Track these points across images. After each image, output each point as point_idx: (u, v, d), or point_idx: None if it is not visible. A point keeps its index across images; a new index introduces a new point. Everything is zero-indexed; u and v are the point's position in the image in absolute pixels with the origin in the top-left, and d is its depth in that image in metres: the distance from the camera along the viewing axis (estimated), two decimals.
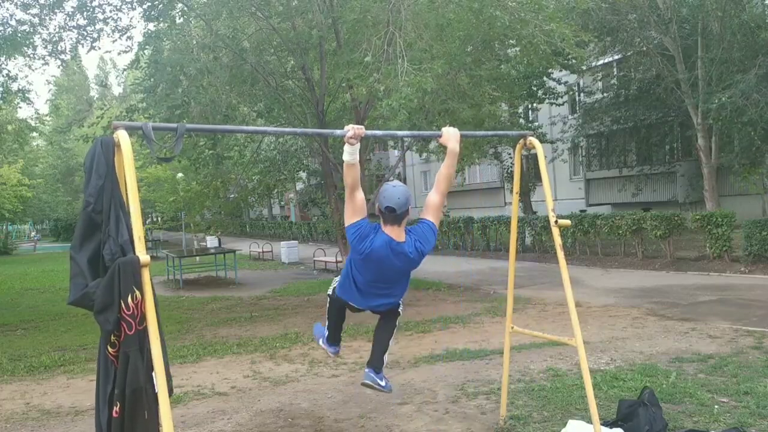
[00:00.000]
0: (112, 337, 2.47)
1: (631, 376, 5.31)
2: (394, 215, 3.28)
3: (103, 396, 2.55)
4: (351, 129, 3.27)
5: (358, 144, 3.31)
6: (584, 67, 17.45)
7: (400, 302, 3.68)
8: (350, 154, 3.29)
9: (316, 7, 9.52)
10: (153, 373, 2.47)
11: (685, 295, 9.87)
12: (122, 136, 2.58)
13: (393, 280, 3.48)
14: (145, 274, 2.45)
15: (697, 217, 13.01)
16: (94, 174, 2.60)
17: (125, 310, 2.39)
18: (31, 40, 11.99)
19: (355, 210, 3.37)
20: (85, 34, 11.37)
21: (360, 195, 3.39)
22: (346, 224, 3.40)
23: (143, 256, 2.46)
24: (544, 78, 17.84)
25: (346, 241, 11.12)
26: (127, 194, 2.57)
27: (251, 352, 7.50)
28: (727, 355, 5.95)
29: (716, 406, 4.42)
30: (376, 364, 3.64)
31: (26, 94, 14.25)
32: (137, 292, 2.41)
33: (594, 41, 13.70)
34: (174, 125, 2.89)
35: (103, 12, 11.02)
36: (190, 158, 11.64)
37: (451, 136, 3.50)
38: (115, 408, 2.46)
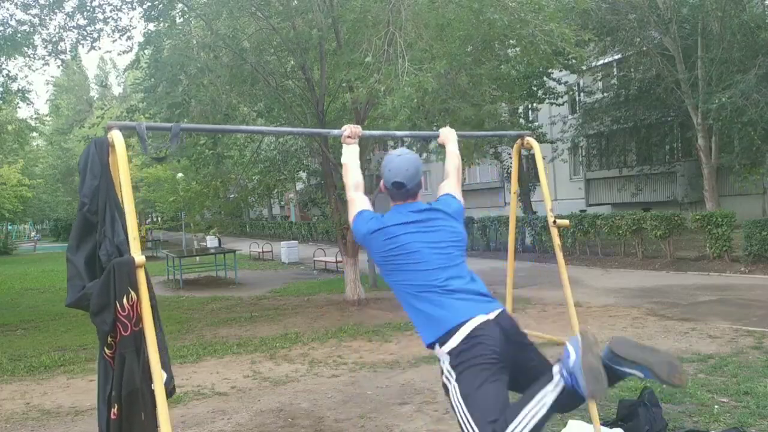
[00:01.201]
0: (109, 339, 2.46)
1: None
2: (404, 191, 2.75)
3: (102, 397, 2.55)
4: (347, 128, 3.16)
5: (356, 145, 3.14)
6: (584, 67, 17.44)
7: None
8: (346, 154, 3.10)
9: (316, 7, 9.52)
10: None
11: (685, 295, 9.86)
12: (116, 137, 2.57)
13: (447, 256, 2.64)
14: (141, 275, 2.44)
15: (697, 217, 13.00)
16: (88, 174, 2.59)
17: (120, 311, 2.38)
18: (31, 40, 11.99)
19: (356, 206, 2.89)
20: (85, 34, 11.37)
21: (360, 193, 2.96)
22: (351, 221, 2.87)
23: (138, 256, 2.44)
24: (544, 78, 17.82)
25: (346, 241, 11.24)
26: (121, 194, 2.56)
27: (251, 352, 7.50)
28: (727, 355, 5.94)
29: (716, 406, 4.42)
30: None
31: (26, 94, 14.25)
32: (132, 293, 2.40)
33: (594, 40, 13.69)
34: (169, 125, 2.89)
35: (103, 12, 11.03)
36: (190, 158, 11.64)
37: (449, 137, 3.38)
38: (113, 409, 2.46)
